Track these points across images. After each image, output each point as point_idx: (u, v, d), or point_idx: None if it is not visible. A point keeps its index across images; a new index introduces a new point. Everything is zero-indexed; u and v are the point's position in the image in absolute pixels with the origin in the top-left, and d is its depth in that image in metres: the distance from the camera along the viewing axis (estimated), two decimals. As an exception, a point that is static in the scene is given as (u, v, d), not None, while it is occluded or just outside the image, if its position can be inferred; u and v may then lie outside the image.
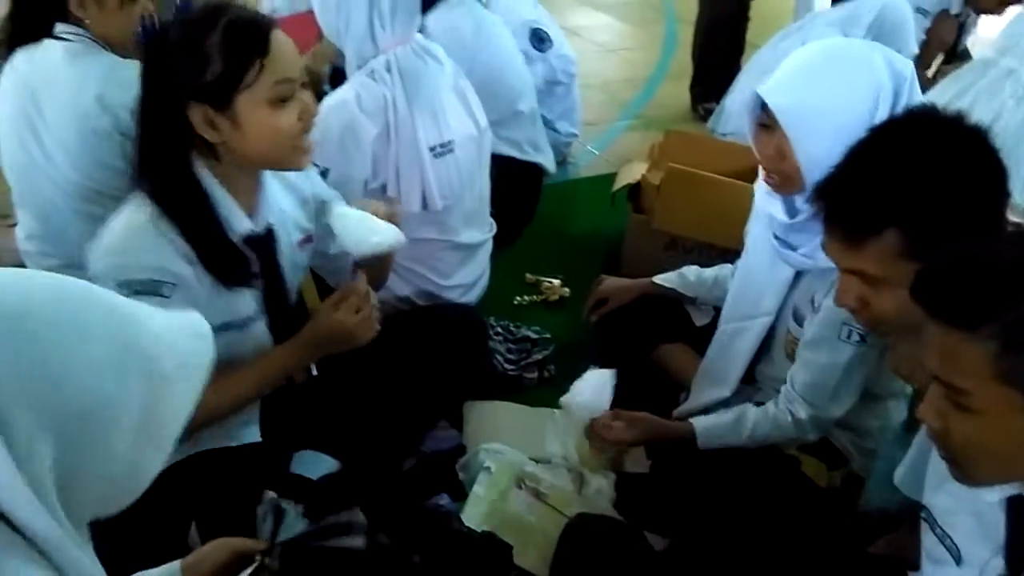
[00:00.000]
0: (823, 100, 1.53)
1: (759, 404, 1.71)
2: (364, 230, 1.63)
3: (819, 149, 1.50)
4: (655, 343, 2.04)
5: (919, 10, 3.45)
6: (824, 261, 1.39)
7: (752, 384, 1.83)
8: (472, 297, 2.28)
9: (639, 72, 4.39)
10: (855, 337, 1.56)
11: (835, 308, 1.55)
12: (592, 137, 3.62)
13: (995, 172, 1.22)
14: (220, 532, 1.22)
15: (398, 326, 2.04)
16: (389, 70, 2.01)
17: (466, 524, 1.64)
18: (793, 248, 1.64)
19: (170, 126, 1.42)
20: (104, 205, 1.82)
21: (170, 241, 1.44)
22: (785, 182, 1.61)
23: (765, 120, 1.59)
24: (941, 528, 1.12)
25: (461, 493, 1.76)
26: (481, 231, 2.28)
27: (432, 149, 2.07)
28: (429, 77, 2.08)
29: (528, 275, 2.62)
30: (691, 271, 2.06)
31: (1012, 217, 1.33)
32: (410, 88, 2.02)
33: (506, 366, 2.18)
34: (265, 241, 1.59)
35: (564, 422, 1.90)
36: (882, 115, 1.50)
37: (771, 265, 1.73)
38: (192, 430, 1.48)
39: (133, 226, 1.44)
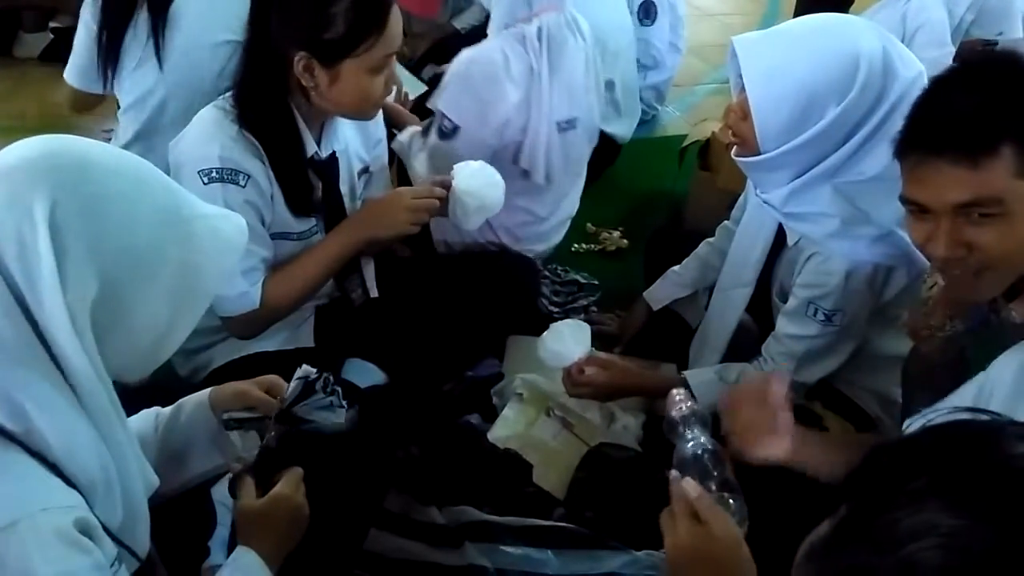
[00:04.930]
0: (791, 66, 1.45)
1: None
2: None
3: (777, 115, 1.46)
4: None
5: None
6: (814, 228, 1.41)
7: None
8: (538, 258, 2.34)
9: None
10: (820, 316, 1.58)
11: (804, 285, 1.59)
12: (677, 98, 3.63)
13: None
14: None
15: (456, 265, 2.16)
16: (540, 38, 2.03)
17: (491, 442, 1.74)
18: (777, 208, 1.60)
19: (274, 64, 1.55)
20: None
21: (250, 143, 1.57)
22: (742, 143, 1.56)
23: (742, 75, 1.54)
24: None
25: (493, 415, 1.86)
26: (568, 209, 2.33)
27: (559, 124, 2.12)
28: (573, 51, 2.12)
29: (589, 225, 2.69)
30: (675, 273, 2.05)
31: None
32: (555, 59, 2.06)
33: (551, 308, 2.26)
34: (328, 166, 1.72)
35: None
36: (853, 105, 1.43)
37: (753, 236, 1.73)
38: (269, 320, 1.67)
39: (216, 121, 1.57)
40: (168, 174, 1.02)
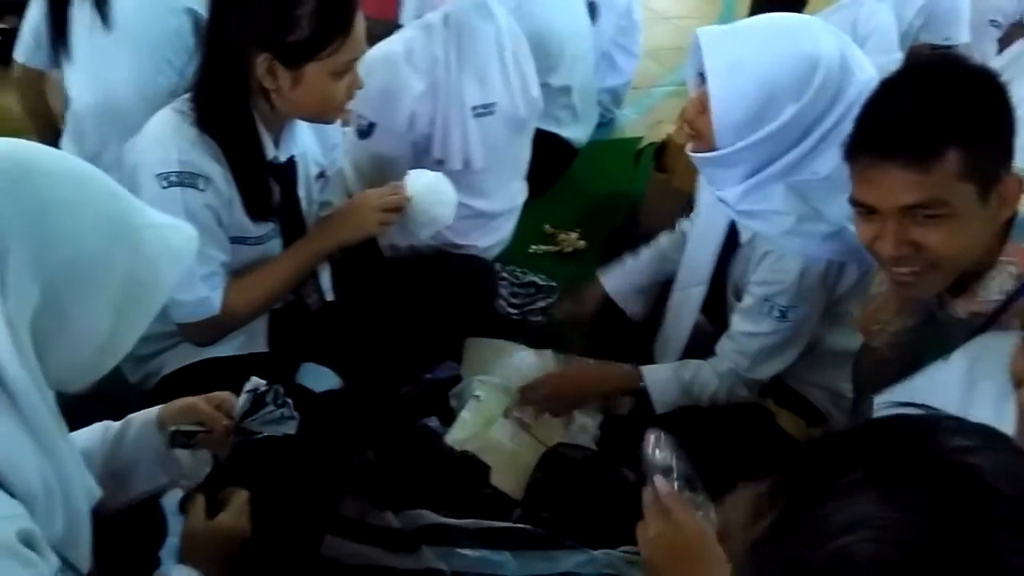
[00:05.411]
0: (753, 62, 1.45)
1: None
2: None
3: (735, 111, 1.46)
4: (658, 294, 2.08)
5: (992, 22, 3.38)
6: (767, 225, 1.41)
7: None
8: (488, 256, 2.32)
9: (690, 41, 4.38)
10: (775, 313, 1.60)
11: (760, 283, 1.61)
12: (633, 101, 3.65)
13: (1009, 103, 1.21)
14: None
15: (412, 268, 2.15)
16: (446, 24, 2.04)
17: (448, 444, 1.74)
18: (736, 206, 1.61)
19: (235, 65, 1.51)
20: None
21: (209, 146, 1.55)
22: (698, 137, 1.56)
23: (703, 69, 1.53)
24: None
25: (451, 418, 1.85)
26: (509, 200, 2.31)
27: (474, 108, 2.11)
28: (484, 35, 2.11)
29: (547, 226, 2.71)
30: (632, 262, 2.03)
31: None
32: (464, 45, 2.06)
33: (509, 310, 2.26)
34: (286, 170, 1.71)
35: (557, 362, 1.99)
36: (810, 105, 1.45)
37: (707, 235, 1.74)
38: (229, 327, 1.65)
39: (174, 124, 1.54)
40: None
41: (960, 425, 0.55)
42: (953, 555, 0.47)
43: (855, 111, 1.37)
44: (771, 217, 1.57)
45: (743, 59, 1.46)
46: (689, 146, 1.60)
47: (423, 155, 2.11)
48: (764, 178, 1.53)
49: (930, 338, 1.36)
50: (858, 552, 0.48)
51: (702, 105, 1.50)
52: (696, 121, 1.54)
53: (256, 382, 1.26)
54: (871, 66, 1.51)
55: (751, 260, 1.65)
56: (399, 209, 1.73)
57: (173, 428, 1.25)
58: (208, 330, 1.64)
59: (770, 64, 1.45)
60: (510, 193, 2.32)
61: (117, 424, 1.25)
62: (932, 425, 0.55)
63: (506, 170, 2.29)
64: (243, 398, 1.25)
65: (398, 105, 2.05)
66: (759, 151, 1.50)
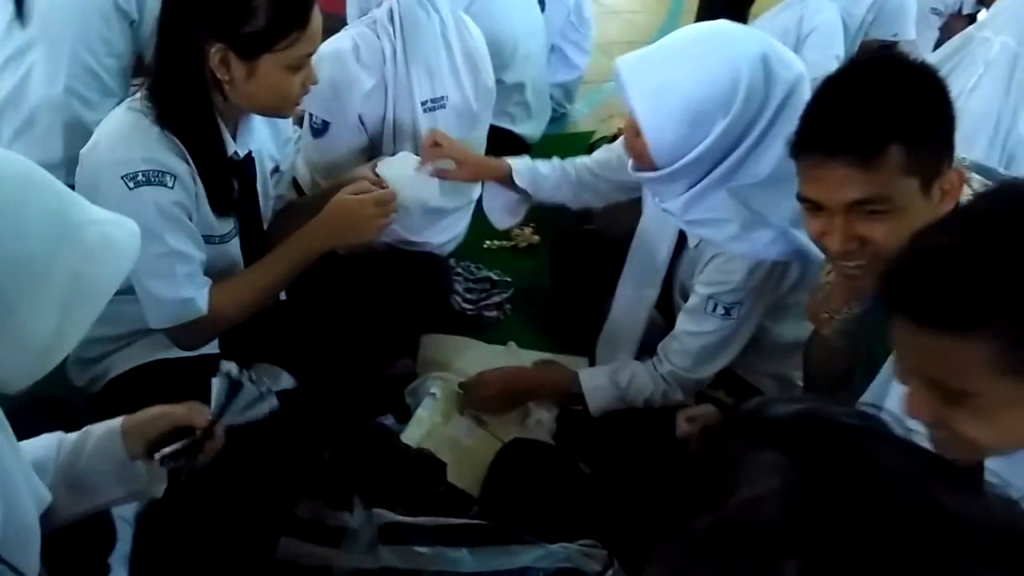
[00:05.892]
0: (674, 84, 1.46)
1: None
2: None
3: (667, 133, 1.48)
4: (610, 291, 2.10)
5: (933, 10, 3.47)
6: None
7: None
8: (443, 252, 2.29)
9: (641, 36, 4.41)
10: (720, 311, 1.62)
11: (706, 283, 1.63)
12: (584, 95, 3.67)
13: (949, 98, 1.24)
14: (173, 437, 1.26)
15: (365, 264, 2.13)
16: (392, 19, 2.02)
17: (404, 442, 1.73)
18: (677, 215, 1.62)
19: (190, 57, 1.48)
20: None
21: (172, 143, 1.51)
22: (638, 158, 1.57)
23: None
24: None
25: (407, 416, 1.85)
26: (463, 196, 2.28)
27: (424, 104, 2.10)
28: (429, 29, 2.09)
29: (500, 222, 2.69)
30: (543, 167, 1.96)
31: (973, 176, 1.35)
32: (409, 39, 2.04)
33: (464, 305, 2.26)
34: (245, 166, 1.68)
35: (513, 357, 2.00)
36: (739, 116, 1.45)
37: (656, 239, 1.76)
38: (216, 330, 1.62)
39: (134, 124, 1.50)
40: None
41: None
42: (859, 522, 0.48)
43: (787, 110, 1.43)
44: (717, 224, 1.59)
45: (665, 83, 1.48)
46: (631, 165, 1.62)
47: (377, 152, 2.09)
48: (705, 187, 1.54)
49: (879, 325, 1.39)
50: (765, 516, 0.49)
51: (636, 129, 1.52)
52: (633, 144, 1.56)
53: (227, 366, 1.22)
54: (798, 62, 1.52)
55: (699, 262, 1.67)
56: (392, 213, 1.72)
57: (159, 456, 1.18)
58: (197, 333, 1.60)
59: (692, 84, 1.46)
60: (464, 188, 2.30)
61: (72, 436, 1.20)
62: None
63: None
64: (217, 386, 1.20)
65: (349, 102, 2.03)
66: (698, 166, 1.52)
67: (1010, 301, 0.82)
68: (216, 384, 1.21)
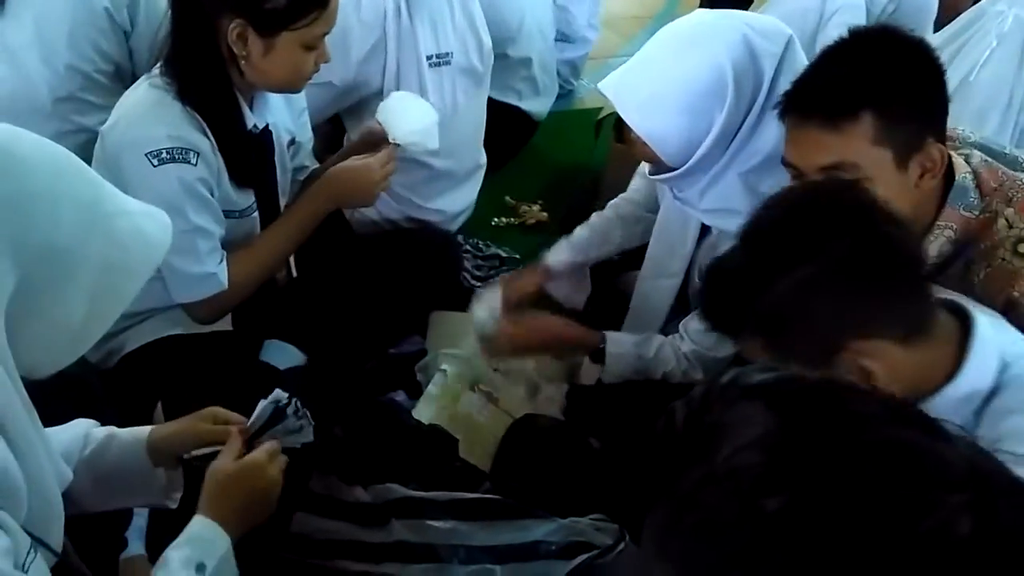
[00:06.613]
0: (661, 94, 1.45)
1: None
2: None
3: (669, 140, 1.48)
4: (618, 271, 2.10)
5: None
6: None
7: None
8: (453, 227, 2.32)
9: (647, 10, 4.39)
10: None
11: None
12: (592, 71, 3.64)
13: (940, 74, 1.25)
14: (185, 412, 1.27)
15: (376, 242, 2.14)
16: None
17: (416, 418, 1.74)
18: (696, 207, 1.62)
19: (206, 33, 1.49)
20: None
21: (193, 118, 1.52)
22: (654, 162, 1.58)
23: None
24: None
25: (418, 392, 1.85)
26: (471, 159, 2.29)
27: (429, 58, 2.10)
28: None
29: (508, 198, 2.69)
30: (570, 242, 1.97)
31: (973, 152, 1.33)
32: None
33: (473, 282, 2.26)
34: (262, 139, 1.69)
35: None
36: (735, 104, 1.44)
37: (680, 228, 1.75)
38: (234, 301, 1.65)
39: (157, 100, 1.52)
40: None
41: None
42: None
43: (779, 82, 1.43)
44: (731, 215, 1.57)
45: (653, 94, 1.46)
46: (648, 170, 1.62)
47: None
48: (716, 174, 1.54)
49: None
50: (744, 463, 0.51)
51: (639, 138, 1.51)
52: (644, 151, 1.55)
53: (279, 395, 1.22)
54: (784, 30, 1.50)
55: (718, 247, 1.67)
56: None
57: (187, 456, 1.21)
58: (215, 306, 1.65)
59: (679, 87, 1.45)
60: (471, 152, 2.30)
61: (99, 432, 1.21)
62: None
63: (467, 127, 2.28)
64: (262, 409, 1.21)
65: (346, 58, 2.02)
66: (712, 155, 1.51)
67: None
68: (261, 406, 1.22)
